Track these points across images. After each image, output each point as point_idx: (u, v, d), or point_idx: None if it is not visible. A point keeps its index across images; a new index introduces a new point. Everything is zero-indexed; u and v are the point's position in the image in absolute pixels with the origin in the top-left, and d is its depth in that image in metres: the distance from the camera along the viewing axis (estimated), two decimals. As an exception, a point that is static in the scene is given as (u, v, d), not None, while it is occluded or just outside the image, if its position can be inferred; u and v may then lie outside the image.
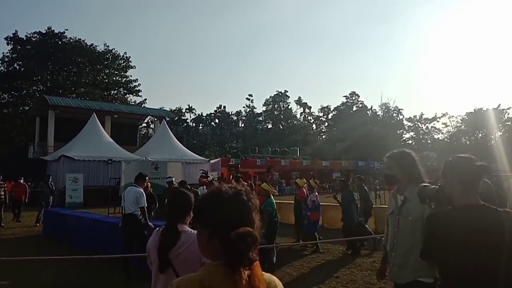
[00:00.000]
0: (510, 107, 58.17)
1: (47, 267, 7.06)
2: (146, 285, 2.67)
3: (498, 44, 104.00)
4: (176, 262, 2.41)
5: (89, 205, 17.49)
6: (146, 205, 6.69)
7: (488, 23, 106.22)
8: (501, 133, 55.77)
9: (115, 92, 44.75)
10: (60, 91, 38.02)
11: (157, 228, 2.61)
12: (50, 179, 14.41)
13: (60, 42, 40.57)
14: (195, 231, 2.43)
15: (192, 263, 2.34)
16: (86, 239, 8.45)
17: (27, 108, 36.79)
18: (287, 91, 73.41)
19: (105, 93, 41.82)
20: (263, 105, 74.07)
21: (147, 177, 7.45)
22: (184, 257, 2.41)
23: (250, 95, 74.55)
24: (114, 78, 44.69)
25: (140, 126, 39.62)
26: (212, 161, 29.11)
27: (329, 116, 75.99)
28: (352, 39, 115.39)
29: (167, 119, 32.60)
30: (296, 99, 74.95)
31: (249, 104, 74.59)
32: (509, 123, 57.10)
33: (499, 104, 57.56)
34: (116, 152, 23.80)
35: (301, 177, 11.86)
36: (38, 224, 12.99)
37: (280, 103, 73.00)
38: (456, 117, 62.13)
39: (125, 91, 45.51)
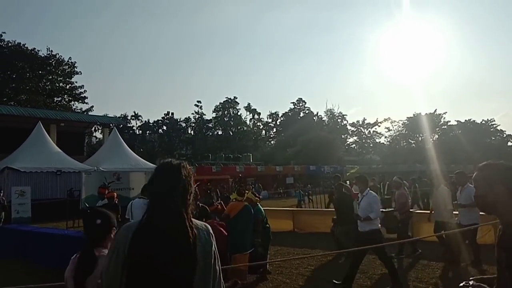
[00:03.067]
0: (446, 112, 63.06)
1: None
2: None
3: (436, 52, 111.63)
4: None
5: (38, 220, 16.35)
6: None
7: (428, 32, 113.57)
8: (438, 136, 59.90)
9: (59, 99, 42.45)
10: (-2, 98, 35.55)
11: (74, 255, 2.36)
12: (2, 193, 13.42)
13: (-4, 46, 37.87)
14: None
15: None
16: (59, 258, 7.93)
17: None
18: (236, 98, 73.83)
19: (48, 100, 39.51)
20: (213, 112, 73.90)
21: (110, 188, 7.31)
22: None
23: (199, 101, 73.91)
24: (58, 85, 42.30)
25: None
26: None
27: (278, 122, 77.38)
28: (299, 47, 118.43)
29: (112, 126, 31.46)
30: (246, 105, 75.60)
31: (198, 111, 74.00)
32: (445, 127, 61.56)
33: (435, 109, 61.97)
34: (65, 163, 22.64)
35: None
36: (-11, 243, 12.04)
37: (230, 110, 73.12)
38: (398, 122, 65.74)
39: (70, 98, 43.30)
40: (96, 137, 48.13)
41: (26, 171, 20.49)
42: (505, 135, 65.14)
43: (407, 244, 8.06)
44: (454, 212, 7.60)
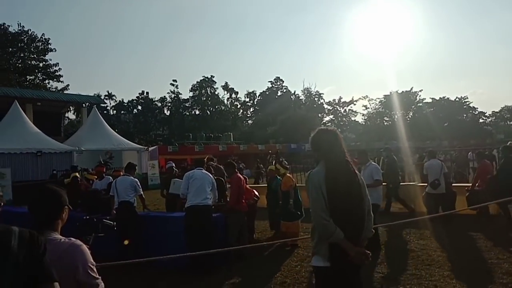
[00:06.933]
0: (422, 90, 64.25)
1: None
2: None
3: (412, 30, 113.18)
4: None
5: (20, 202, 15.84)
6: None
7: (402, 11, 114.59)
8: (412, 114, 61.27)
9: (33, 77, 40.57)
10: (-33, 77, 33.78)
11: None
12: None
13: (-37, 22, 35.67)
14: (67, 240, 1.92)
15: (62, 281, 1.67)
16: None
17: None
18: (214, 77, 72.81)
19: (21, 79, 37.65)
20: (190, 91, 72.73)
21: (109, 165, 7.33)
22: None
23: (175, 80, 72.47)
24: (31, 62, 40.41)
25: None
26: (149, 149, 28.12)
27: (255, 101, 77.09)
28: (275, 26, 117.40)
29: (85, 106, 30.95)
30: (223, 84, 74.72)
31: (174, 90, 72.66)
32: (420, 104, 62.89)
33: (412, 87, 63.20)
34: (46, 143, 21.85)
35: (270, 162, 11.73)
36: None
37: (207, 89, 72.18)
38: (375, 100, 66.60)
39: (44, 76, 41.45)
40: (68, 118, 46.49)
41: (5, 152, 19.75)
42: (477, 112, 67.45)
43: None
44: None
